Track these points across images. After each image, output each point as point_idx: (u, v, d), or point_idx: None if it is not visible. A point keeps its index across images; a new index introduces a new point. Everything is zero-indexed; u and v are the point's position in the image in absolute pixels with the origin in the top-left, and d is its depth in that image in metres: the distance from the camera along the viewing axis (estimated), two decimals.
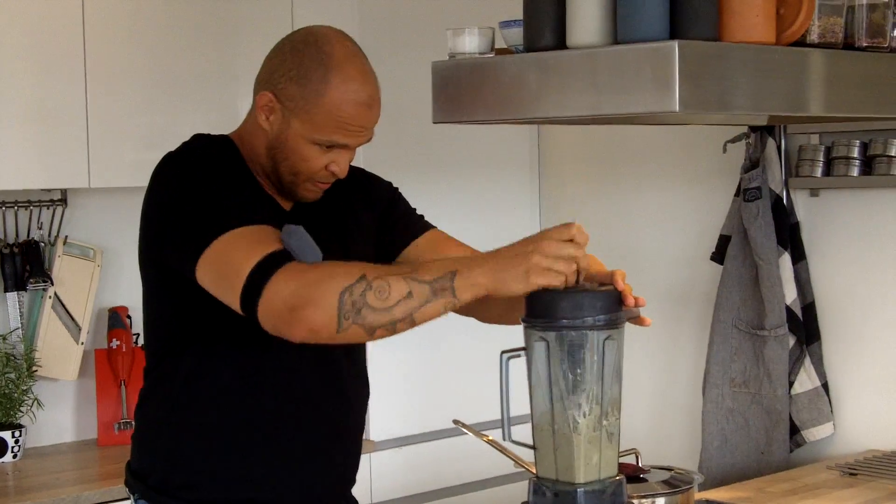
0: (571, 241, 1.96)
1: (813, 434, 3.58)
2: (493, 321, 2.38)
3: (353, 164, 2.31)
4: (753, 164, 3.60)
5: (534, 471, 2.12)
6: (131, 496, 2.33)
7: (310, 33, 2.21)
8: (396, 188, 2.46)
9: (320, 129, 2.17)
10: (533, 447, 2.08)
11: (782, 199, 3.60)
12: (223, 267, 2.03)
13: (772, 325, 3.56)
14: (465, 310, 2.38)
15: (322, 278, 1.96)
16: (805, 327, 3.60)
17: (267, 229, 2.06)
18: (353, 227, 2.34)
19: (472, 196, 4.13)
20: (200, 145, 2.24)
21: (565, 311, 1.98)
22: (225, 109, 3.59)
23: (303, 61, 2.16)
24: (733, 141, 3.64)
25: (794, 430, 3.58)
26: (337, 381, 2.31)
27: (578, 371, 1.99)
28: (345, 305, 1.93)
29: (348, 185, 2.34)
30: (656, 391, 4.03)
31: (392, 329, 1.96)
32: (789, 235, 3.60)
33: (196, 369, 2.24)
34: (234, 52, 3.64)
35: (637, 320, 2.06)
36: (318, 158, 2.20)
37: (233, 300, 2.02)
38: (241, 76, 3.61)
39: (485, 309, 2.35)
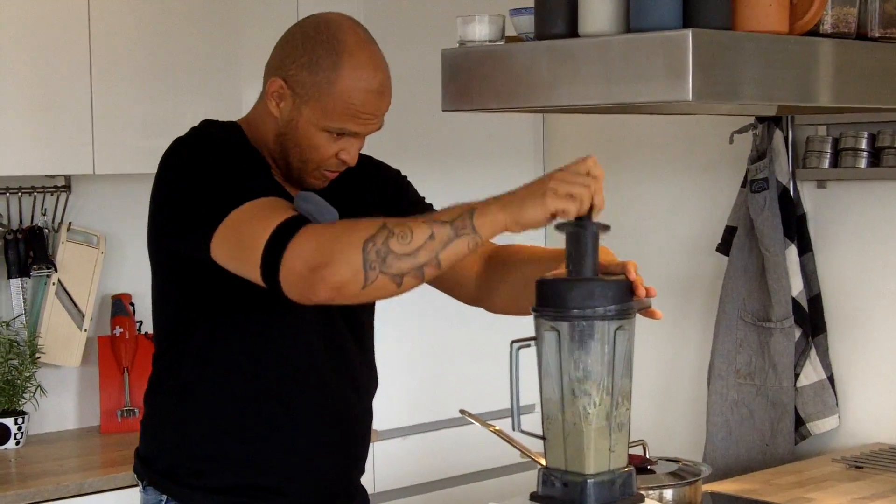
0: (587, 172, 1.96)
1: (818, 427, 3.57)
2: (501, 311, 2.37)
3: (361, 152, 2.30)
4: (760, 155, 3.59)
5: (540, 461, 2.12)
6: (140, 483, 2.33)
7: (321, 20, 2.20)
8: (405, 176, 2.46)
9: (331, 117, 2.16)
10: (542, 437, 2.07)
11: (789, 191, 3.59)
12: (240, 239, 2.01)
13: (778, 316, 3.55)
14: (474, 299, 2.38)
15: (342, 234, 1.94)
16: (811, 319, 3.59)
17: (279, 200, 2.05)
18: (361, 215, 2.32)
19: (476, 185, 4.06)
20: (209, 129, 2.24)
21: (576, 300, 1.97)
22: (229, 98, 3.58)
23: (314, 48, 2.15)
24: (740, 132, 3.63)
25: (800, 423, 3.58)
26: (346, 367, 2.31)
27: (589, 361, 1.98)
28: (369, 256, 1.91)
29: (356, 173, 2.33)
30: (661, 382, 4.03)
31: (420, 275, 1.94)
32: (796, 227, 3.59)
33: (204, 355, 2.23)
34: (238, 41, 3.63)
35: (648, 312, 2.05)
36: (328, 146, 2.19)
37: (252, 271, 1.99)
38: (245, 65, 3.59)
39: (493, 297, 2.34)
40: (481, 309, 2.42)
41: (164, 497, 2.27)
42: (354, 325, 2.31)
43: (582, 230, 1.98)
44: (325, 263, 1.92)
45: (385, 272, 1.92)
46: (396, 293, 1.97)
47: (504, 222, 1.94)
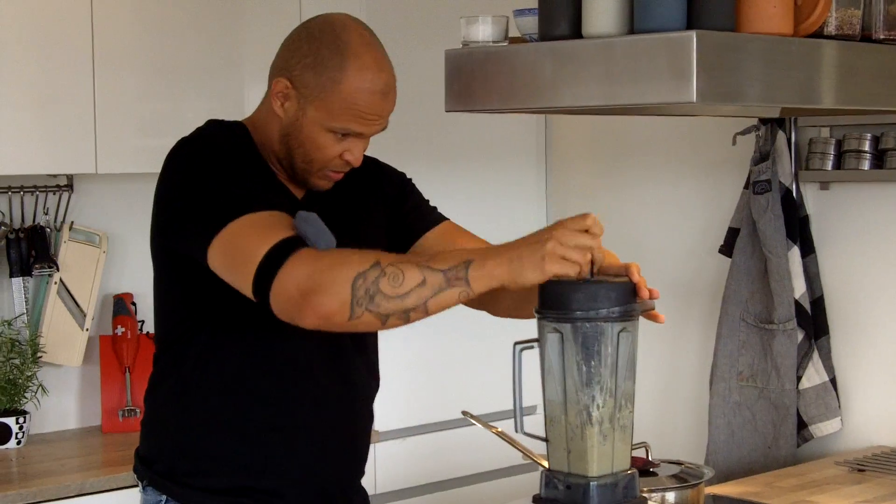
0: (587, 231, 1.95)
1: (820, 429, 3.56)
2: (504, 315, 2.37)
3: (365, 153, 2.29)
4: (763, 156, 3.59)
5: (542, 463, 2.11)
6: (140, 483, 2.32)
7: (327, 21, 2.20)
8: (409, 179, 2.45)
9: (335, 117, 2.16)
10: (545, 439, 2.07)
11: (792, 192, 3.58)
12: (236, 252, 2.02)
13: (780, 318, 3.54)
14: (477, 304, 2.37)
15: (335, 264, 1.95)
16: (814, 321, 3.58)
17: (280, 215, 2.05)
18: (365, 218, 2.32)
19: (479, 187, 4.12)
20: (214, 131, 2.24)
21: (580, 302, 1.97)
22: (231, 97, 3.58)
23: (319, 49, 2.15)
24: (743, 133, 3.62)
25: (802, 425, 3.57)
26: (347, 371, 2.30)
27: (592, 363, 1.98)
28: (358, 292, 1.92)
29: (361, 174, 2.33)
30: (663, 384, 4.02)
31: (405, 317, 1.95)
32: (799, 229, 3.59)
33: (204, 355, 2.23)
34: (241, 41, 3.63)
35: (651, 316, 2.05)
36: (332, 146, 2.19)
37: (245, 286, 2.00)
38: (247, 64, 3.59)
39: (496, 302, 2.34)
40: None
41: (164, 497, 2.26)
42: None
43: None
44: (316, 292, 1.93)
45: (371, 310, 1.93)
46: (381, 329, 2.00)
47: (500, 280, 1.94)
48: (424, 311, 1.95)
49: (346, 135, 2.18)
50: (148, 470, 2.29)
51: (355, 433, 2.35)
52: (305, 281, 1.94)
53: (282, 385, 2.23)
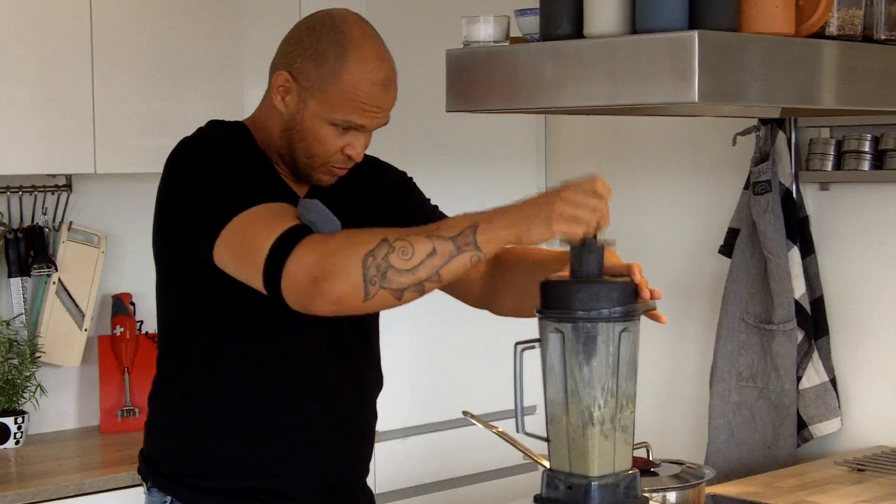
0: (594, 192, 1.94)
1: (820, 429, 3.56)
2: (506, 314, 2.37)
3: (366, 153, 2.29)
4: (763, 157, 3.59)
5: (543, 463, 2.11)
6: (144, 484, 2.32)
7: (327, 15, 2.20)
8: (411, 178, 2.45)
9: (336, 109, 2.15)
10: (546, 439, 2.06)
11: (792, 193, 3.58)
12: (243, 246, 2.01)
13: (780, 319, 3.54)
14: (479, 302, 2.38)
15: (343, 247, 1.93)
16: (813, 322, 3.58)
17: (284, 206, 2.04)
18: (367, 216, 2.32)
19: (479, 186, 4.11)
20: (216, 130, 2.23)
21: (581, 302, 1.96)
22: (230, 96, 3.58)
23: (320, 41, 2.15)
24: (743, 133, 3.62)
25: (802, 425, 3.57)
26: (351, 369, 2.30)
27: (594, 363, 1.98)
28: (369, 271, 1.91)
29: (363, 173, 2.32)
30: (663, 384, 4.02)
31: (420, 289, 1.94)
32: (798, 229, 3.59)
33: (208, 356, 2.22)
34: (240, 40, 3.62)
35: (653, 316, 2.04)
36: (333, 140, 2.18)
37: (255, 278, 1.99)
38: (247, 64, 3.59)
39: (498, 301, 2.34)
40: (482, 309, 2.42)
41: (169, 498, 2.26)
42: (359, 325, 2.31)
43: (587, 252, 1.98)
44: (326, 276, 1.92)
45: (385, 287, 1.92)
46: (397, 305, 1.97)
47: (508, 240, 1.94)
48: (438, 280, 1.94)
49: (348, 128, 2.18)
50: (152, 471, 2.29)
51: (361, 432, 2.35)
52: (314, 267, 1.92)
53: (286, 385, 2.23)
